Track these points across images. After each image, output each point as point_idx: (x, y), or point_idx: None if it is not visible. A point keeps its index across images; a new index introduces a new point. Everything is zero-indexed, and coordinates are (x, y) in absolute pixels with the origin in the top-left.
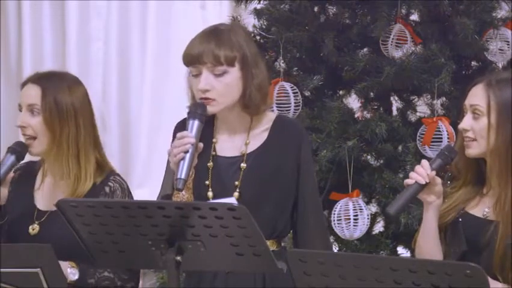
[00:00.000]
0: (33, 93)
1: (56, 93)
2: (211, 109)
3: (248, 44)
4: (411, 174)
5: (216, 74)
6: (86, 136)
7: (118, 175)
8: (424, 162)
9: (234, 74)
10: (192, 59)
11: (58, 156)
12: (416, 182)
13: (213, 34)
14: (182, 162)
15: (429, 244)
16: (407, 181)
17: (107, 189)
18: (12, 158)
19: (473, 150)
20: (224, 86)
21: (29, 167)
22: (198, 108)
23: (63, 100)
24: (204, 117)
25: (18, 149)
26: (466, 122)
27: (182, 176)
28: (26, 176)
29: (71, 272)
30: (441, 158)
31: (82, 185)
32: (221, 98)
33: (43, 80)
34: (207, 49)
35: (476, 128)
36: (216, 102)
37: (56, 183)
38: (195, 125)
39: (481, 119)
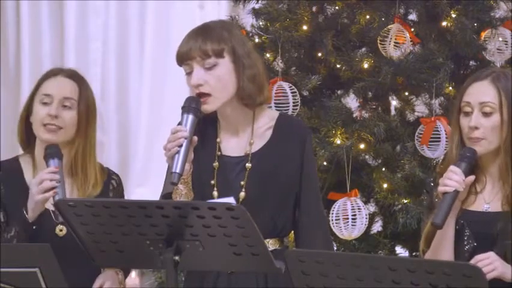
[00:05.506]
0: (71, 88)
1: (88, 92)
2: (208, 107)
3: (239, 38)
4: (447, 182)
5: (207, 68)
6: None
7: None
8: (455, 168)
9: (225, 66)
10: (181, 57)
11: (83, 154)
12: (455, 189)
13: (201, 31)
14: (176, 156)
15: (448, 250)
16: (445, 189)
17: (114, 182)
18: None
19: (483, 147)
20: (216, 79)
21: (9, 165)
22: (192, 102)
23: (91, 100)
24: (198, 112)
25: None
26: (476, 120)
27: (177, 170)
28: (13, 175)
29: (122, 278)
30: (465, 161)
31: (95, 186)
32: (215, 92)
33: (76, 77)
34: (195, 45)
35: (488, 125)
36: (212, 98)
37: None
38: (189, 119)
39: (493, 115)
